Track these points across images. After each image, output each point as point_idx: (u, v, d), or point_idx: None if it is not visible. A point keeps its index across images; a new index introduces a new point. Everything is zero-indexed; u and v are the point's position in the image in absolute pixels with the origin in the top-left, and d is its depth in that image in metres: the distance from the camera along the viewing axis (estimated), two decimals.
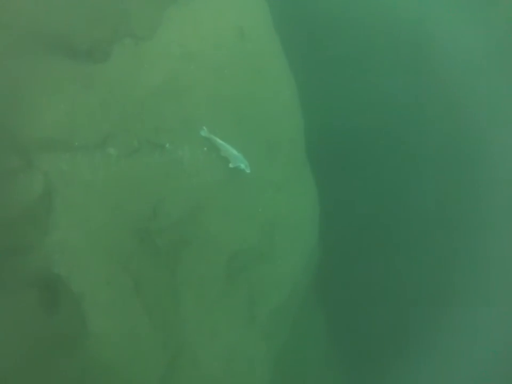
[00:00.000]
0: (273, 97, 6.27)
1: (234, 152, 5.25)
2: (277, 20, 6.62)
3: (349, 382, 6.62)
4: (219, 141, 5.27)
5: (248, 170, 5.28)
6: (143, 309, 4.91)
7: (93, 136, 4.88)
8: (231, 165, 5.28)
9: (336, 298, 7.06)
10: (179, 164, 5.27)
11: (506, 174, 7.25)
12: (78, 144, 4.77)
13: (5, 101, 4.68)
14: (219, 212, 5.45)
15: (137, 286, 4.90)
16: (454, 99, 7.67)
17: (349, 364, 6.73)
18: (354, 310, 6.93)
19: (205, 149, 5.38)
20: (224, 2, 6.20)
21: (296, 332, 6.61)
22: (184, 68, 5.55)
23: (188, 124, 5.44)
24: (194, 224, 5.31)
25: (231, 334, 5.63)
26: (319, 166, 6.69)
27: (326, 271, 6.90)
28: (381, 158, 7.36)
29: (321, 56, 7.73)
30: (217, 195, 5.43)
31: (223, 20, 6.13)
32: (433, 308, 6.94)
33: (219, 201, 5.45)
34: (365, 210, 7.14)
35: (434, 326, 6.83)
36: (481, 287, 6.92)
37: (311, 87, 6.90)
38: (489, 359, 6.53)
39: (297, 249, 6.33)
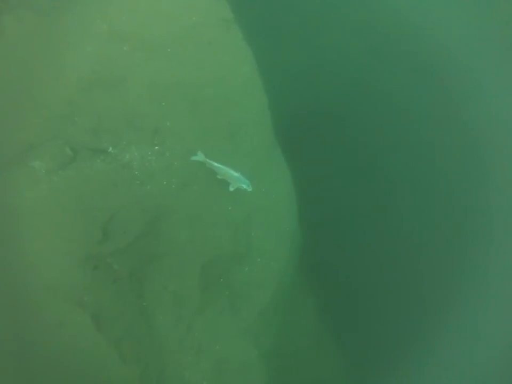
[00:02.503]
0: (230, 75, 5.44)
1: (234, 173, 4.75)
2: None
3: (348, 369, 6.39)
4: (216, 164, 4.72)
5: (250, 189, 4.83)
6: (107, 345, 4.21)
7: (8, 149, 3.87)
8: (231, 188, 4.79)
9: (325, 285, 6.67)
10: (128, 170, 4.43)
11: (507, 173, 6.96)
12: None
13: None
14: (184, 219, 4.72)
15: (97, 321, 4.17)
16: (448, 92, 7.19)
17: (346, 350, 6.46)
18: (346, 293, 6.60)
19: (157, 147, 4.52)
20: None
21: (288, 327, 6.22)
22: (115, 51, 4.57)
23: (131, 120, 4.56)
24: (156, 238, 4.57)
25: (217, 346, 5.12)
26: (290, 147, 6.02)
27: (311, 258, 6.42)
28: (356, 132, 6.79)
29: (285, 25, 6.84)
30: (178, 200, 4.68)
31: None
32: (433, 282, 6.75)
33: (182, 206, 4.70)
34: (344, 189, 6.64)
35: (433, 306, 6.66)
36: (483, 287, 6.77)
37: (273, 60, 6.08)
38: (491, 360, 6.49)
39: (277, 242, 5.77)
